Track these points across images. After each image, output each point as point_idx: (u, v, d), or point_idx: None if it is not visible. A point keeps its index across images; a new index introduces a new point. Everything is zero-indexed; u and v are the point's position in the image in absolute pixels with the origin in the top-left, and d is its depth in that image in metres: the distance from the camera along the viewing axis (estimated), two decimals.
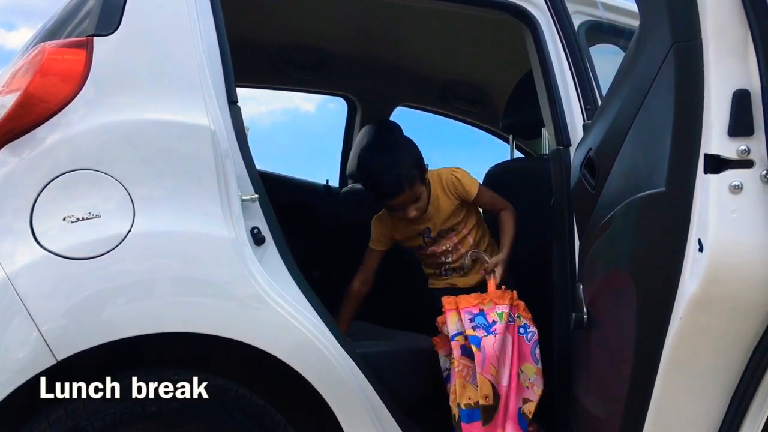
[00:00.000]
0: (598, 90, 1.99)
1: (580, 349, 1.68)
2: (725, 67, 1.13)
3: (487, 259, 2.10)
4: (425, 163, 2.15)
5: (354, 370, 1.64)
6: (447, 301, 1.91)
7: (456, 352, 1.82)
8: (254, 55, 2.83)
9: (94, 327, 1.38)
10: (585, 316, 1.59)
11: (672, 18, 1.17)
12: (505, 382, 1.80)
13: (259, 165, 1.70)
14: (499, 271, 2.05)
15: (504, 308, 1.86)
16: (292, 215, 2.38)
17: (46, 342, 1.34)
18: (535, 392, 1.82)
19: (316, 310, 1.62)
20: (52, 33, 1.64)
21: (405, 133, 2.78)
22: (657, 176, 1.22)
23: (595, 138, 1.60)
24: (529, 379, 1.84)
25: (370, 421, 1.63)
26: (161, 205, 1.47)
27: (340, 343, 1.62)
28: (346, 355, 1.63)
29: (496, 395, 1.79)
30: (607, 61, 2.14)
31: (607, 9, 2.22)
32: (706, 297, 1.17)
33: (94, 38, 1.51)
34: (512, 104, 2.44)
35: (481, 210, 2.32)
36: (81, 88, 1.47)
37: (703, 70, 1.14)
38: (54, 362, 1.33)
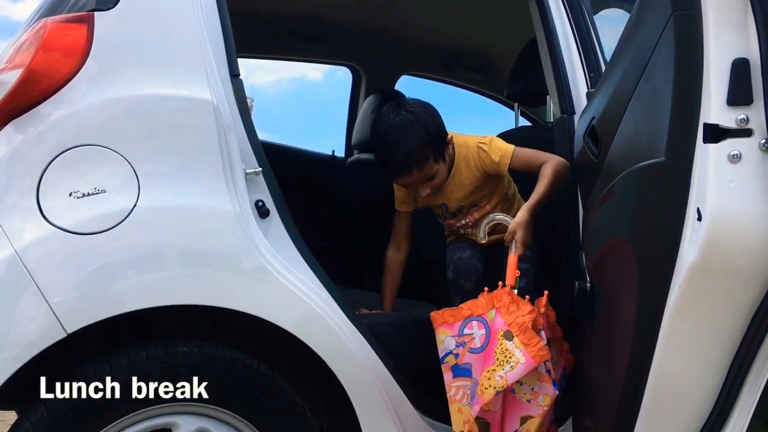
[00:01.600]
0: (603, 57, 1.97)
1: (582, 317, 1.70)
2: (725, 35, 1.12)
3: (509, 220, 1.83)
4: (446, 133, 1.91)
5: (360, 340, 1.66)
6: (434, 317, 1.73)
7: (447, 377, 1.67)
8: (257, 25, 2.81)
9: (103, 300, 1.40)
10: (588, 285, 1.61)
11: None
12: (496, 405, 1.61)
13: (266, 134, 1.72)
14: (519, 237, 1.77)
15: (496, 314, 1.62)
16: (297, 187, 2.40)
17: (56, 315, 1.36)
18: (539, 405, 1.59)
19: (321, 282, 1.64)
20: (53, 8, 1.64)
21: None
22: (657, 146, 1.22)
23: (598, 106, 1.60)
24: (532, 389, 1.60)
25: (376, 390, 1.66)
26: (165, 179, 1.48)
27: (346, 314, 1.65)
28: (352, 325, 1.65)
29: (484, 424, 1.62)
30: (614, 25, 2.12)
31: None
32: (705, 265, 1.17)
33: (95, 13, 1.51)
34: (517, 72, 2.43)
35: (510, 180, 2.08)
36: (83, 64, 1.47)
37: (702, 38, 1.14)
38: (64, 335, 1.36)
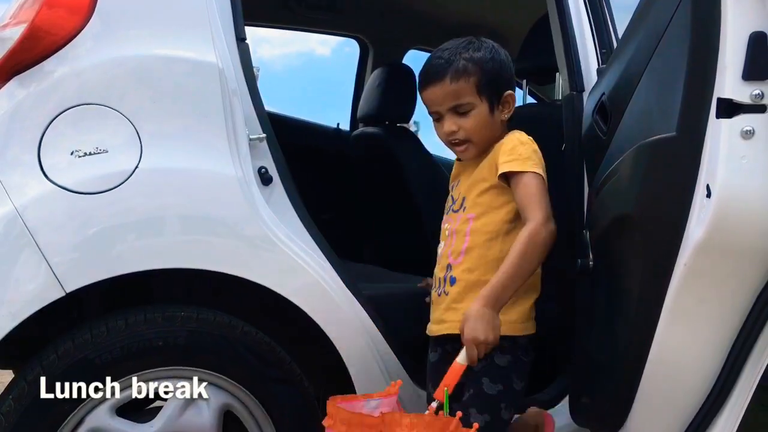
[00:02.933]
0: (615, 33, 1.94)
1: (584, 294, 1.69)
2: (743, 7, 1.10)
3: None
4: (509, 82, 1.56)
5: (359, 311, 1.66)
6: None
7: None
8: None
9: (102, 260, 1.40)
10: (590, 263, 1.59)
11: None
12: None
13: (271, 107, 1.69)
14: (466, 335, 1.32)
15: None
16: (301, 158, 2.38)
17: (54, 274, 1.36)
18: None
19: (322, 251, 1.64)
20: None
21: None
22: (668, 121, 1.20)
23: (608, 83, 1.57)
24: None
25: (374, 362, 1.66)
26: (168, 141, 1.47)
27: (345, 285, 1.64)
28: (352, 296, 1.65)
29: None
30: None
31: None
32: (712, 243, 1.16)
33: None
34: (527, 48, 2.39)
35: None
36: (88, 21, 1.46)
37: (719, 11, 1.11)
38: (63, 294, 1.35)
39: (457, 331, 1.38)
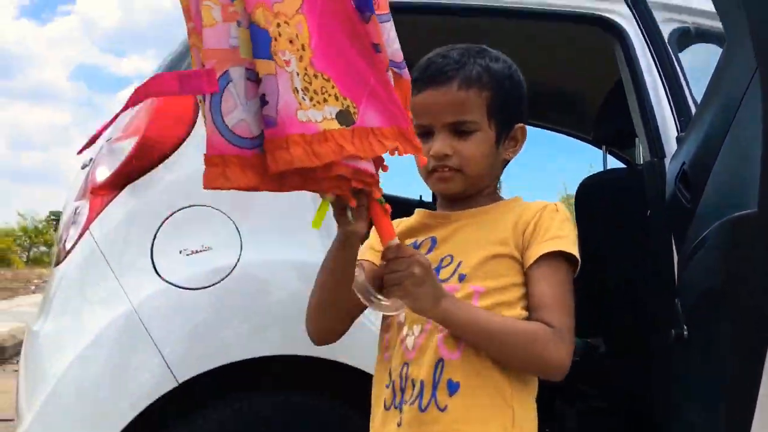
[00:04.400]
0: (692, 98, 1.95)
1: (679, 364, 1.66)
2: None
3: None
4: (522, 112, 1.22)
5: None
6: None
7: None
8: None
9: (211, 350, 1.50)
10: (685, 332, 1.57)
11: (754, 40, 1.15)
12: None
13: None
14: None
15: None
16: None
17: (167, 365, 1.47)
18: None
19: None
20: None
21: None
22: (749, 196, 1.20)
23: (688, 152, 1.59)
24: None
25: None
26: (265, 235, 1.58)
27: None
28: None
29: None
30: (702, 63, 2.09)
31: (700, 15, 2.16)
32: None
33: None
34: (604, 114, 2.43)
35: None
36: (191, 130, 1.60)
37: None
38: (176, 385, 1.46)
39: None
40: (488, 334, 1.04)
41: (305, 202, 1.59)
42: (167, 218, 1.54)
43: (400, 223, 1.24)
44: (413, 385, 1.08)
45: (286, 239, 1.59)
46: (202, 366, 1.48)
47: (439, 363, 1.07)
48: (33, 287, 12.15)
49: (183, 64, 1.75)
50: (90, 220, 1.57)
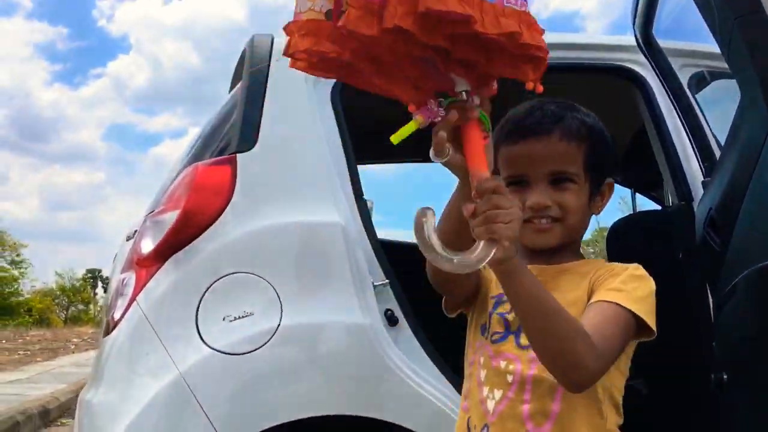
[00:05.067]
0: (715, 139, 1.98)
1: (721, 409, 1.65)
2: None
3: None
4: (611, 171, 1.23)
5: None
6: None
7: None
8: (371, 137, 3.01)
9: (256, 413, 1.55)
10: (725, 376, 1.57)
11: (767, 99, 1.19)
12: None
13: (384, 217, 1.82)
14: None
15: None
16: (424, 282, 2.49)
17: (214, 427, 1.51)
18: None
19: (449, 382, 1.71)
20: (201, 152, 1.88)
21: None
22: None
23: (713, 197, 1.61)
24: None
25: None
26: (303, 299, 1.63)
27: None
28: None
29: None
30: (720, 100, 2.12)
31: (714, 58, 2.20)
32: None
33: (237, 154, 1.72)
34: (629, 159, 2.46)
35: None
36: (230, 200, 1.68)
37: None
38: None
39: None
40: (544, 309, 0.98)
41: (339, 259, 1.66)
42: (210, 286, 1.61)
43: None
44: None
45: (324, 299, 1.64)
46: (248, 429, 1.53)
47: None
48: (72, 346, 12.33)
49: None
50: (137, 292, 1.64)
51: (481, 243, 0.89)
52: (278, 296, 1.62)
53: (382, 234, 1.99)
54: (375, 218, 1.91)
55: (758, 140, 1.26)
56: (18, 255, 40.92)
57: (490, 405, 1.10)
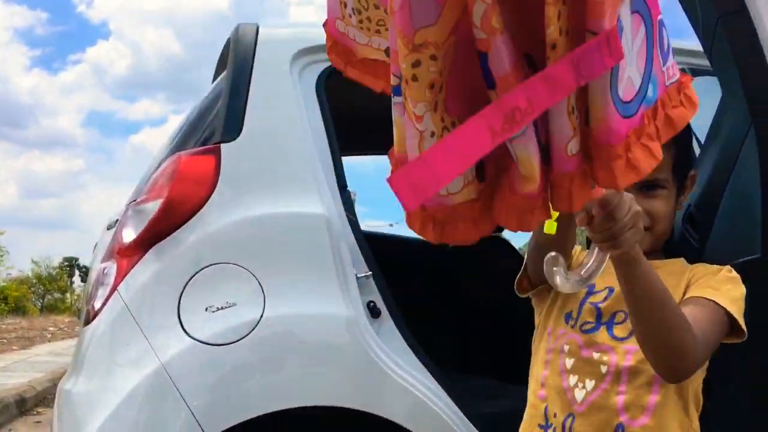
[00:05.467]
0: (695, 137, 1.99)
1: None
2: None
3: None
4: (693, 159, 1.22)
5: (470, 429, 1.71)
6: None
7: None
8: (356, 126, 3.00)
9: (238, 404, 1.55)
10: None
11: (748, 100, 1.21)
12: None
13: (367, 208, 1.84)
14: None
15: None
16: (405, 274, 2.50)
17: (197, 420, 1.51)
18: None
19: (431, 374, 1.72)
20: (183, 142, 1.87)
21: None
22: (753, 242, 1.24)
23: (693, 193, 1.63)
24: None
25: None
26: (286, 290, 1.63)
27: (456, 404, 1.71)
28: (463, 415, 1.71)
29: None
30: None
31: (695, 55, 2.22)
32: None
33: (221, 144, 1.71)
34: None
35: None
36: (213, 190, 1.67)
37: None
38: None
39: None
40: (659, 298, 0.96)
41: (322, 251, 1.66)
42: (192, 277, 1.60)
43: (580, 254, 1.17)
44: None
45: (307, 292, 1.64)
46: (230, 419, 1.52)
47: (619, 428, 1.06)
48: (49, 335, 12.20)
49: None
50: (118, 281, 1.63)
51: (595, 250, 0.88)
52: (261, 287, 1.61)
53: (364, 226, 2.00)
54: (358, 209, 1.91)
55: (738, 137, 1.28)
56: None
57: (579, 395, 1.09)
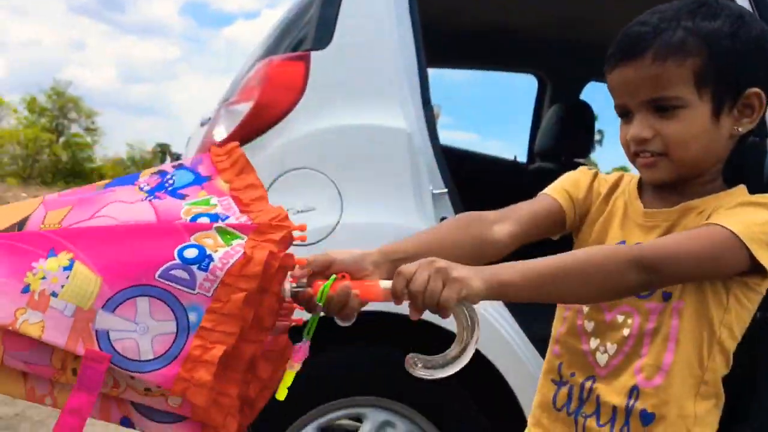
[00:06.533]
0: None
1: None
2: None
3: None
4: (759, 90, 0.99)
5: (532, 351, 1.77)
6: None
7: None
8: (445, 39, 2.96)
9: None
10: None
11: None
12: None
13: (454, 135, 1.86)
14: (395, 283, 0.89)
15: None
16: (480, 192, 2.52)
17: None
18: None
19: None
20: (275, 46, 1.91)
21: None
22: None
23: None
24: None
25: None
26: (363, 199, 1.69)
27: (520, 327, 1.76)
28: (525, 337, 1.77)
29: None
30: None
31: None
32: None
33: (311, 52, 1.74)
34: None
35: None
36: (301, 97, 1.72)
37: None
38: None
39: None
40: (558, 281, 0.90)
41: (401, 165, 1.70)
42: (276, 179, 1.68)
43: (605, 182, 1.13)
44: (598, 404, 1.03)
45: (384, 202, 1.69)
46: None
47: (634, 390, 1.01)
48: None
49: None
50: None
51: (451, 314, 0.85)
52: (340, 194, 1.68)
53: (445, 138, 2.01)
54: (442, 121, 1.93)
55: None
56: (93, 122, 42.43)
57: (602, 358, 1.04)
